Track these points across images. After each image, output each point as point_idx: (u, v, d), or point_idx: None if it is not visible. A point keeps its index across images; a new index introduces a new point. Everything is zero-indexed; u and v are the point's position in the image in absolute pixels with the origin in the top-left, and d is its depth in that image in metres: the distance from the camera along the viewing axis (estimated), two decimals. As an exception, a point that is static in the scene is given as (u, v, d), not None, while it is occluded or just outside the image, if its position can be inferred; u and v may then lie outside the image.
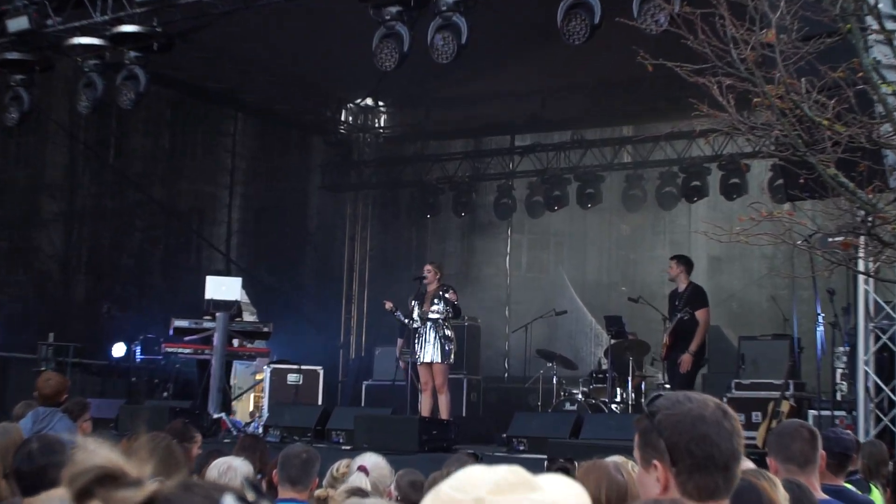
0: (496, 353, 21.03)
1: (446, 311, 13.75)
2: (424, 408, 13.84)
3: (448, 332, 13.83)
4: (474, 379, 18.11)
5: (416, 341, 13.90)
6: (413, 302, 13.99)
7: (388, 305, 14.25)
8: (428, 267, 14.12)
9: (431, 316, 13.76)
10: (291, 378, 16.57)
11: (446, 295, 13.76)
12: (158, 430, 6.40)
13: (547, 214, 21.30)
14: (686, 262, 14.21)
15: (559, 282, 21.94)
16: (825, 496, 5.07)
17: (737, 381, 14.46)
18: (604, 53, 14.39)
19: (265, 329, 16.01)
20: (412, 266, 20.77)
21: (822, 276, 10.19)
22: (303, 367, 16.82)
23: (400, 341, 15.71)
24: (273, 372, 16.67)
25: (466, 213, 22.16)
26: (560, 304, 18.97)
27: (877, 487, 6.91)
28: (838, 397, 13.85)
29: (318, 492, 5.68)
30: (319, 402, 16.31)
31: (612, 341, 15.43)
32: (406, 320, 13.97)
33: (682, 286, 14.03)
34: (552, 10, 12.22)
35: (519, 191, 21.81)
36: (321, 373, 16.97)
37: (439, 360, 13.71)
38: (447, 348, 13.74)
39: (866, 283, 11.87)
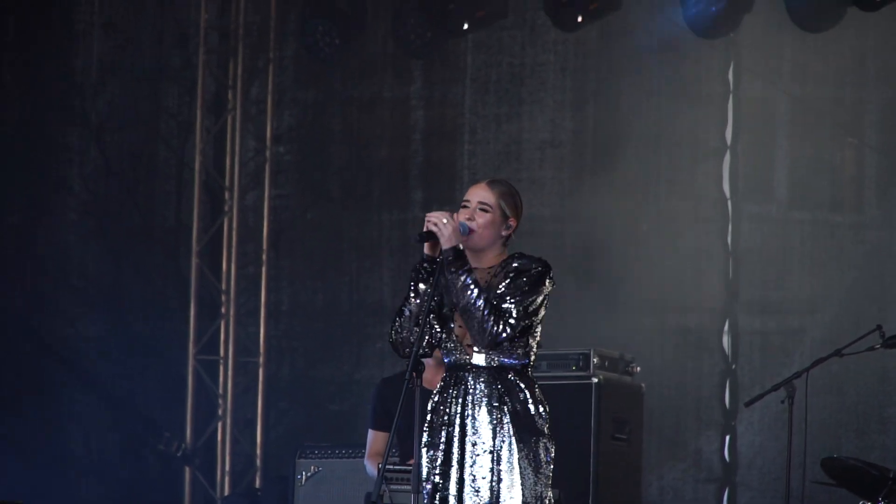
0: (691, 475, 8.60)
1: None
2: None
3: (538, 411, 4.55)
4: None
5: (433, 437, 4.64)
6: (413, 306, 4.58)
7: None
8: (484, 192, 4.57)
9: (482, 360, 4.55)
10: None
11: (522, 276, 4.48)
12: None
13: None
14: None
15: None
16: None
17: None
18: None
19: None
20: (408, 187, 9.37)
21: None
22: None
23: (373, 434, 6.30)
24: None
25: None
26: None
27: None
28: None
29: None
30: None
31: None
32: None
33: None
34: None
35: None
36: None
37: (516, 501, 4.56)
38: (540, 458, 4.56)
39: None
